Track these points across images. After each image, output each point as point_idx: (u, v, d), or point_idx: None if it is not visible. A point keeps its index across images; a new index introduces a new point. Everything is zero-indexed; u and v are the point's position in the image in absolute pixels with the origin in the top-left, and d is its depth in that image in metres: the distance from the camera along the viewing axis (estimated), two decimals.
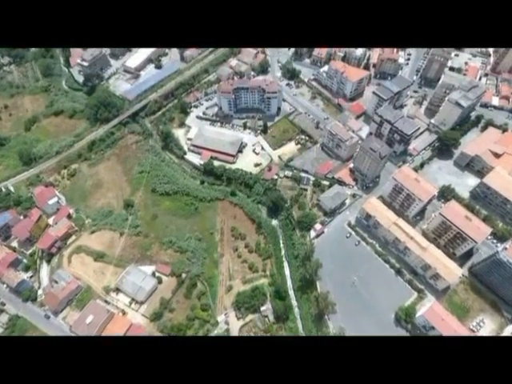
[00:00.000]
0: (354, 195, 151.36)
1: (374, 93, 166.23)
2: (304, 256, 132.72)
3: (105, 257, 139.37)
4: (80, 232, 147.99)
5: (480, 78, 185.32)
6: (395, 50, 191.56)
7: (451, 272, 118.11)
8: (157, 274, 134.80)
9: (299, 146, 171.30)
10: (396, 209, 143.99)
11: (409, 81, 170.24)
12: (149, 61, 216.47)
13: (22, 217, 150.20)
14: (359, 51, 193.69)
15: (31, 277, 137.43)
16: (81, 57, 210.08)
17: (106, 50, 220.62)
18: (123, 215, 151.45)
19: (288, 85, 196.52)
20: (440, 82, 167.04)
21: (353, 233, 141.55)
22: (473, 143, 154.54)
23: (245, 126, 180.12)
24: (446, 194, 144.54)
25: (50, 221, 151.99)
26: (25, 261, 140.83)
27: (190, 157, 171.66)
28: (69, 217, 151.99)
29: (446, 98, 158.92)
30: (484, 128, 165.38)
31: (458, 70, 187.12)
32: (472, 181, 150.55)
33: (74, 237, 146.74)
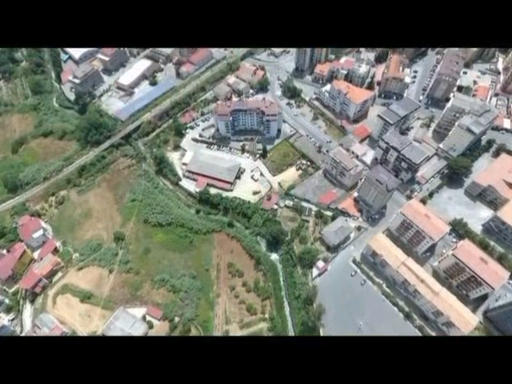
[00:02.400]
0: (358, 228, 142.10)
1: (379, 116, 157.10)
2: (306, 298, 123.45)
3: (92, 298, 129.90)
4: (67, 268, 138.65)
5: (490, 98, 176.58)
6: (400, 67, 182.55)
7: (466, 321, 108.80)
8: (147, 318, 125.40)
9: (300, 171, 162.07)
10: (404, 243, 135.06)
11: (416, 103, 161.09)
12: (143, 77, 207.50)
13: (5, 251, 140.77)
14: (363, 69, 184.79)
15: (13, 319, 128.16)
16: (72, 73, 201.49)
17: (99, 66, 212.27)
18: (113, 249, 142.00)
19: (288, 104, 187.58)
20: (449, 105, 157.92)
21: (358, 270, 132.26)
22: (485, 172, 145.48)
23: (243, 150, 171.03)
24: (457, 228, 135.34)
25: (36, 254, 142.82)
26: (7, 301, 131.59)
27: (185, 183, 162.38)
28: (55, 250, 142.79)
29: (457, 123, 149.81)
30: (496, 153, 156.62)
31: (467, 89, 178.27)
32: (484, 212, 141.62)
33: (60, 273, 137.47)
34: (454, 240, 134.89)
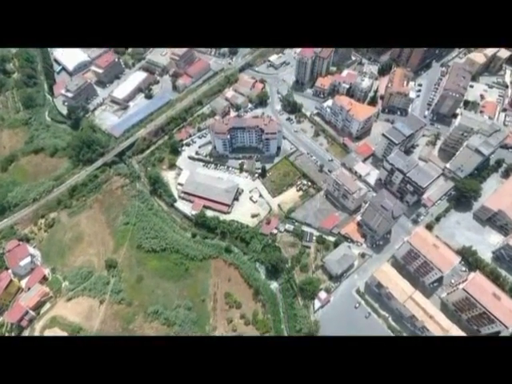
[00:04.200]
0: (362, 255, 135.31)
1: (383, 135, 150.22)
2: (307, 334, 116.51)
3: (81, 332, 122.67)
4: (55, 299, 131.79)
5: (498, 114, 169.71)
6: (405, 81, 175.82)
7: None
8: None
9: (301, 192, 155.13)
10: (410, 272, 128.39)
11: (422, 121, 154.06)
12: (138, 90, 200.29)
13: None
14: (365, 83, 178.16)
15: None
16: (65, 87, 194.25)
17: (92, 78, 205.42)
18: (104, 278, 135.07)
19: (289, 119, 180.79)
20: (456, 123, 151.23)
21: (362, 302, 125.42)
22: (495, 195, 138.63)
23: (241, 169, 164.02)
24: (466, 255, 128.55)
25: (23, 283, 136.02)
26: None
27: (181, 205, 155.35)
28: (44, 278, 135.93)
29: (465, 144, 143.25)
30: (505, 173, 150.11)
31: (474, 105, 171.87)
32: (494, 238, 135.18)
33: (48, 304, 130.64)
34: (464, 269, 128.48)
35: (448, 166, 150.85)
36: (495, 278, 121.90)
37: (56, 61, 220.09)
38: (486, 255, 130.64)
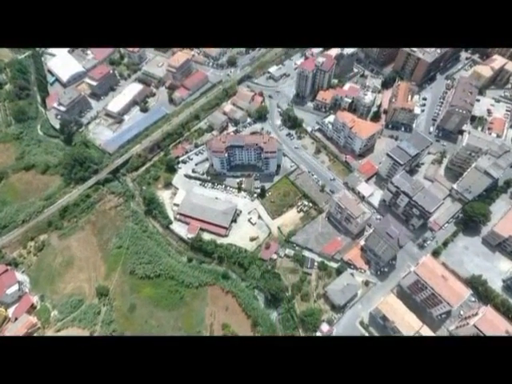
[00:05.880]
0: (366, 283, 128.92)
1: (388, 155, 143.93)
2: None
3: None
4: (43, 330, 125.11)
5: (507, 131, 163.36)
6: (409, 96, 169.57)
7: None
8: None
9: (302, 214, 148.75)
10: (417, 301, 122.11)
11: (428, 140, 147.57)
12: (133, 102, 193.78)
13: None
14: (368, 97, 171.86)
15: None
16: (58, 100, 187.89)
17: (86, 92, 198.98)
18: (95, 307, 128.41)
19: (289, 135, 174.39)
20: (464, 143, 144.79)
21: (366, 335, 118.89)
22: (505, 220, 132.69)
23: (239, 188, 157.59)
24: (475, 285, 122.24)
25: (10, 311, 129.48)
26: None
27: (177, 227, 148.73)
28: (32, 307, 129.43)
29: (473, 165, 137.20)
30: None
31: (481, 120, 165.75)
32: (505, 265, 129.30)
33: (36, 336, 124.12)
34: (473, 299, 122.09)
35: (455, 186, 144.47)
36: (506, 310, 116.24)
37: (50, 71, 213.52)
38: (497, 284, 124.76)
